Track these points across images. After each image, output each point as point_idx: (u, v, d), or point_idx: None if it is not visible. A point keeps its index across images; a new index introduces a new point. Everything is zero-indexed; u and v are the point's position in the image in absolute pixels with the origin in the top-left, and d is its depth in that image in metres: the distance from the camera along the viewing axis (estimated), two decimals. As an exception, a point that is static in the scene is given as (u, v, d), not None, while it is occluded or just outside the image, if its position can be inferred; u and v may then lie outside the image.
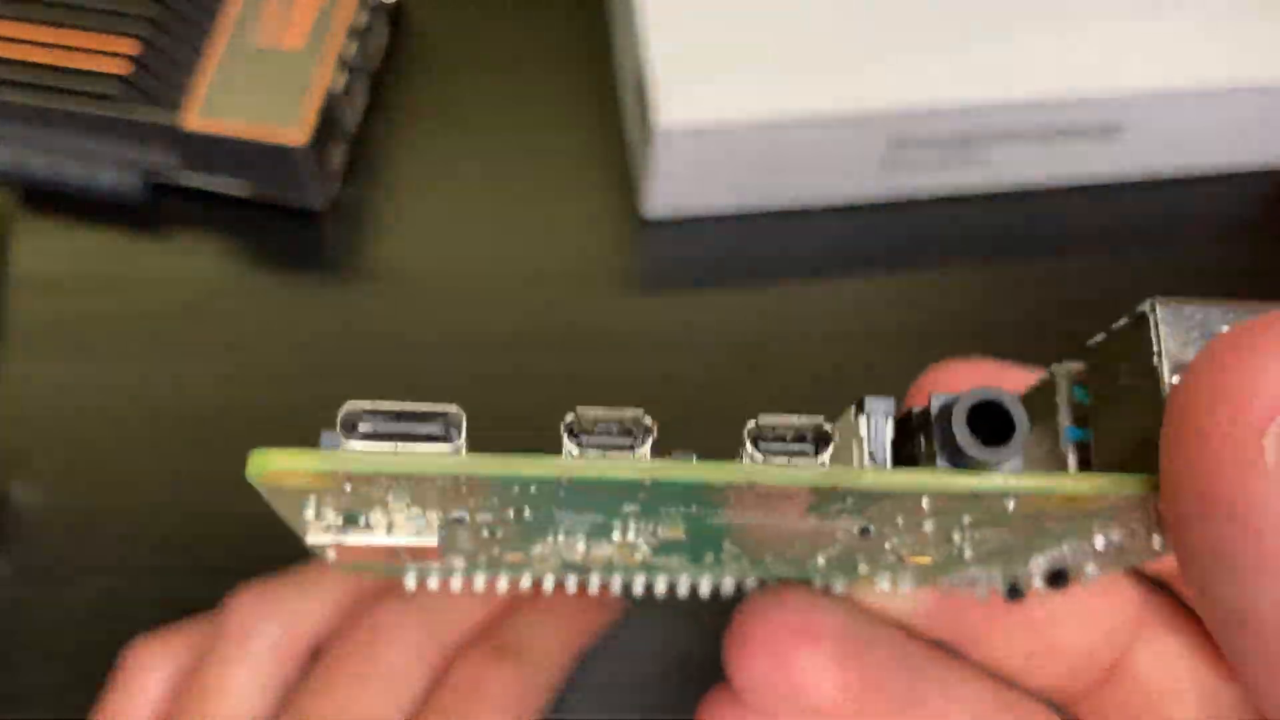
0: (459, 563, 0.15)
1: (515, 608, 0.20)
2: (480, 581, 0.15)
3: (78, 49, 0.33)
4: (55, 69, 0.32)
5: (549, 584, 0.16)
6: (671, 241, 0.31)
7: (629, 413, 0.10)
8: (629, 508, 0.11)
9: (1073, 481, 0.10)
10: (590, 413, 0.10)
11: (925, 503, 0.11)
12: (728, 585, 0.16)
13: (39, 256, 0.32)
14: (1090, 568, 0.13)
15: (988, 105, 0.30)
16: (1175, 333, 0.11)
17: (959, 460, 0.10)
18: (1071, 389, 0.12)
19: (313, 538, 0.11)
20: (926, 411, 0.11)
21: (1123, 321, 0.12)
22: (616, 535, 0.12)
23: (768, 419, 0.10)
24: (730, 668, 0.14)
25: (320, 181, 0.32)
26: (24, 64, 0.33)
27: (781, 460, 0.10)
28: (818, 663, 0.14)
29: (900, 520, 0.11)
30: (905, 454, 0.11)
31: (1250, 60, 0.35)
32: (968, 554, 0.13)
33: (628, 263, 0.29)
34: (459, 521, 0.12)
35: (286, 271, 0.29)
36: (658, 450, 0.10)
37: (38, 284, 0.32)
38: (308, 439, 0.11)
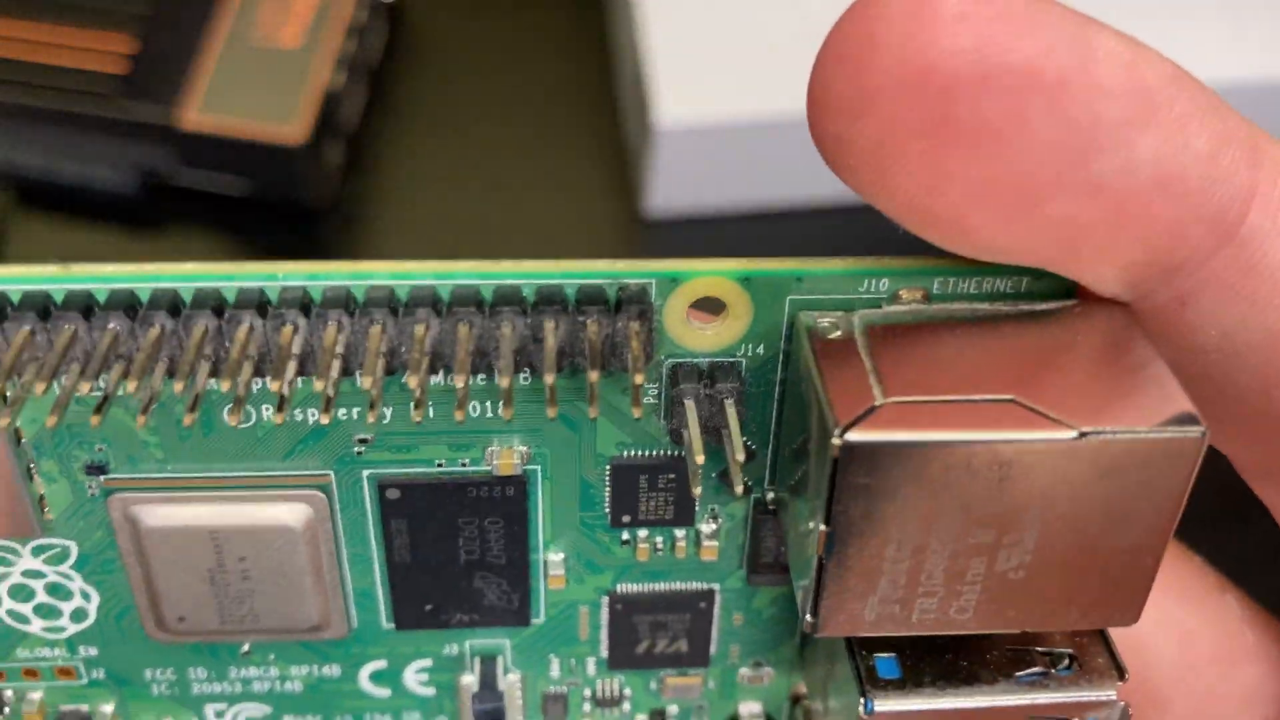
0: None
1: None
2: None
3: (73, 47, 0.31)
4: (50, 67, 0.31)
5: None
6: (672, 241, 0.30)
7: None
8: None
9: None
10: None
11: None
12: None
13: (33, 256, 0.29)
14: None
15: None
16: None
17: None
18: None
19: None
20: None
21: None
22: None
23: None
24: None
25: (318, 180, 0.31)
26: (18, 62, 0.31)
27: None
28: None
29: None
30: None
31: (1249, 60, 0.34)
32: None
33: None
34: None
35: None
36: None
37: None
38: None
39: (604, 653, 0.18)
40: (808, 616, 0.14)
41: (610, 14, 0.37)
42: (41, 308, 0.14)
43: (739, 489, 0.15)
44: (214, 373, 0.14)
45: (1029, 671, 0.15)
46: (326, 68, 0.31)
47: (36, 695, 0.18)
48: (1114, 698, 0.15)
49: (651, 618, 0.18)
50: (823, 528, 0.13)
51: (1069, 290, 0.15)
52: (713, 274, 0.14)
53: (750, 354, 0.15)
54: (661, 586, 0.17)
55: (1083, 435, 0.13)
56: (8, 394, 0.14)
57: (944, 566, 0.14)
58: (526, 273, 0.14)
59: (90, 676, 0.18)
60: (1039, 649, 0.15)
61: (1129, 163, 0.12)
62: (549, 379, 0.14)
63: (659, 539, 0.17)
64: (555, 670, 0.18)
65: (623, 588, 0.17)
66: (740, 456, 0.15)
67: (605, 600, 0.18)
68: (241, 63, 0.31)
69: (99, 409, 0.13)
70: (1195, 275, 0.13)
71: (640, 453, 0.16)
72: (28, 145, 0.31)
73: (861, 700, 0.15)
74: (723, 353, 0.15)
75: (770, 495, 0.17)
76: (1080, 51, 0.12)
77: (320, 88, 0.31)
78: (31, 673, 0.18)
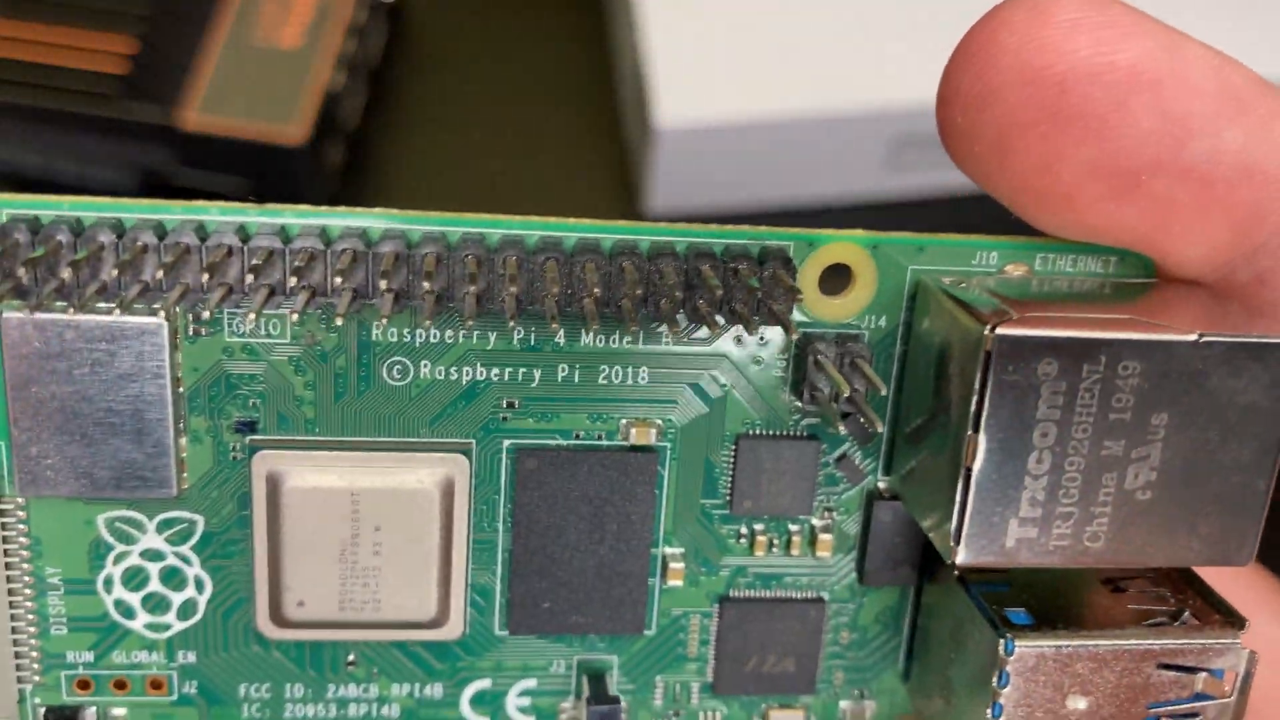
0: None
1: None
2: None
3: (73, 47, 0.31)
4: (50, 67, 0.31)
5: None
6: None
7: None
8: None
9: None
10: None
11: None
12: None
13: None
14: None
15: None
16: None
17: None
18: None
19: None
20: None
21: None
22: None
23: None
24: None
25: (319, 180, 0.32)
26: (18, 62, 0.31)
27: None
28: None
29: None
30: None
31: (1249, 58, 0.34)
32: None
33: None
34: None
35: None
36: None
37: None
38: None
39: (710, 675, 0.18)
40: (951, 544, 0.15)
41: (610, 14, 0.37)
42: (243, 233, 0.15)
43: (879, 426, 0.16)
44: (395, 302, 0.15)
45: (1154, 620, 0.16)
46: (326, 68, 0.31)
47: (120, 711, 0.17)
48: (1239, 644, 0.15)
49: (762, 627, 0.18)
50: (969, 432, 0.14)
51: (1151, 275, 0.16)
52: (845, 239, 0.16)
53: (873, 326, 0.16)
54: (772, 595, 0.18)
55: (1201, 337, 0.14)
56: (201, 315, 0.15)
57: (1079, 483, 0.15)
58: (679, 230, 0.16)
59: (181, 691, 0.17)
60: (1158, 607, 0.16)
61: (1217, 150, 0.14)
62: (712, 282, 0.15)
63: (775, 535, 0.17)
64: (659, 699, 0.18)
65: (735, 593, 0.17)
66: (883, 391, 0.16)
67: (716, 609, 0.18)
68: (241, 63, 0.31)
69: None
70: (1275, 254, 0.15)
71: (767, 431, 0.17)
72: (28, 145, 0.30)
73: (1001, 642, 0.15)
74: (848, 325, 0.16)
75: (883, 484, 0.17)
76: (1173, 56, 0.14)
77: (320, 88, 0.31)
78: (121, 684, 0.17)
